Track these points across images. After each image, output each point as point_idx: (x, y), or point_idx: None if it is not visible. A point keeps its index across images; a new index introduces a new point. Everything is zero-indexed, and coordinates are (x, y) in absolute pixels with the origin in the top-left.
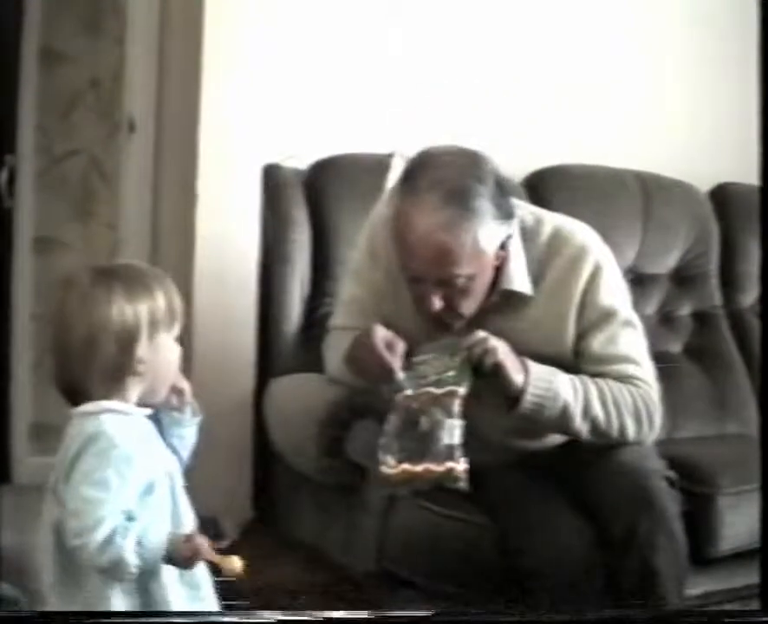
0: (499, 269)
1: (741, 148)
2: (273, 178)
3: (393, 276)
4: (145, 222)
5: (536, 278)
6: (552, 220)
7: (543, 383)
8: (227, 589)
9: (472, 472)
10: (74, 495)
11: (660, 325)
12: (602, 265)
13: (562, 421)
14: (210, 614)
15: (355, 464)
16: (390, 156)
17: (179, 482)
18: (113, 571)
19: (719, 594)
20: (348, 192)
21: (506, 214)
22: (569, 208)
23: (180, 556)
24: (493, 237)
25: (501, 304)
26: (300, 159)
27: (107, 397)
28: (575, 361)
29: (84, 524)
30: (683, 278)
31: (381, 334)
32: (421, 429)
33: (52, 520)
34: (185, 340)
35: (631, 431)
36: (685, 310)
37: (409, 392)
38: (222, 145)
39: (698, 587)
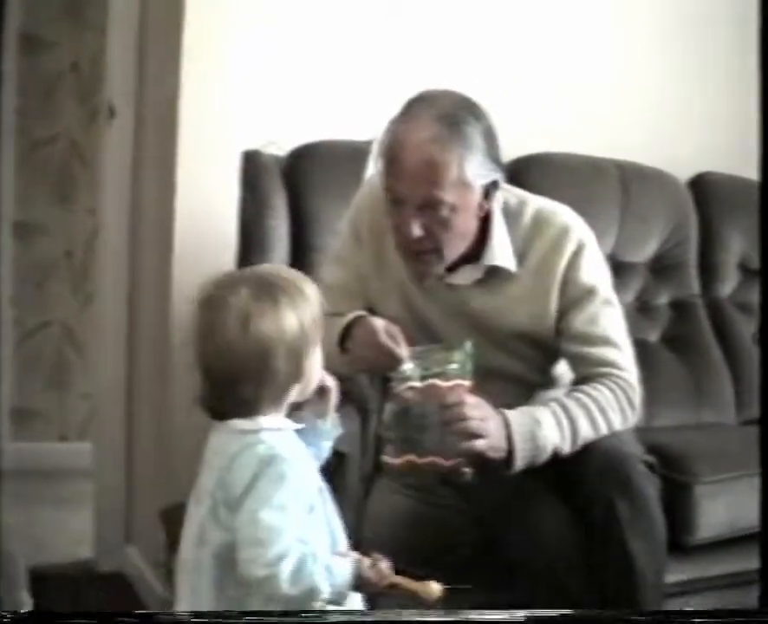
0: (483, 243)
1: (721, 138)
2: (252, 165)
3: (378, 257)
4: (124, 207)
5: (520, 257)
6: (535, 202)
7: (528, 444)
8: None
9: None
10: (252, 522)
11: (637, 313)
12: (585, 244)
13: (554, 456)
14: (351, 613)
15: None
16: (369, 143)
17: (328, 497)
18: (304, 600)
19: (697, 582)
20: (327, 179)
21: (494, 159)
22: (549, 196)
23: (368, 582)
24: (479, 173)
25: (485, 281)
26: (279, 145)
27: (267, 411)
28: (556, 340)
29: (273, 554)
30: (661, 267)
31: (382, 325)
32: (427, 420)
33: (214, 544)
34: (164, 327)
35: (617, 425)
36: (663, 299)
37: (415, 383)
38: (201, 131)
39: (675, 575)
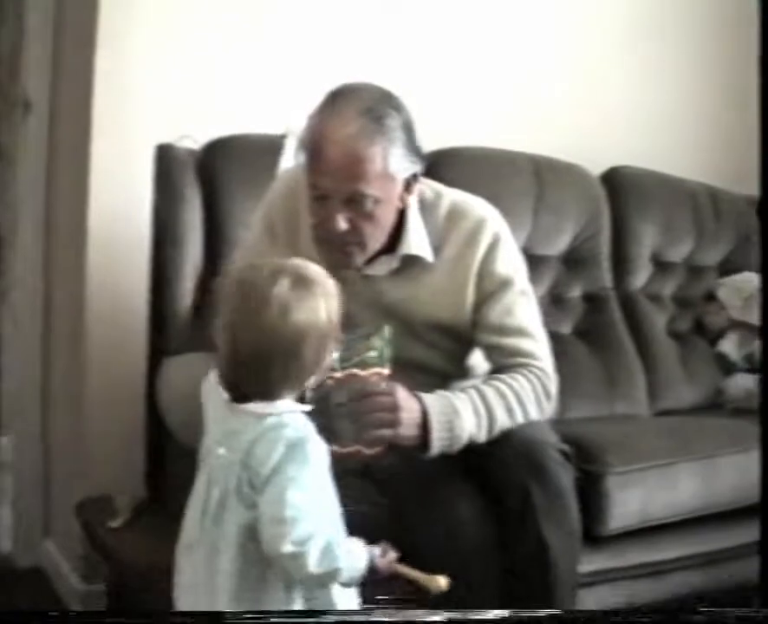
0: (399, 234)
1: (633, 131)
2: (166, 158)
3: (293, 251)
4: (39, 202)
5: (436, 249)
6: (451, 195)
7: (445, 432)
8: None
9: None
10: (280, 501)
11: (550, 306)
12: (500, 237)
13: (471, 443)
14: (356, 612)
15: None
16: (283, 137)
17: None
18: (326, 580)
19: (609, 572)
20: (241, 173)
21: (415, 151)
22: (463, 189)
23: (378, 570)
24: (402, 166)
25: (401, 271)
26: (194, 139)
27: (285, 396)
28: (472, 331)
29: (301, 533)
30: (574, 260)
31: None
32: (345, 409)
33: (239, 523)
34: (78, 321)
35: (534, 414)
36: (575, 292)
37: (336, 373)
38: (115, 125)
39: (587, 565)
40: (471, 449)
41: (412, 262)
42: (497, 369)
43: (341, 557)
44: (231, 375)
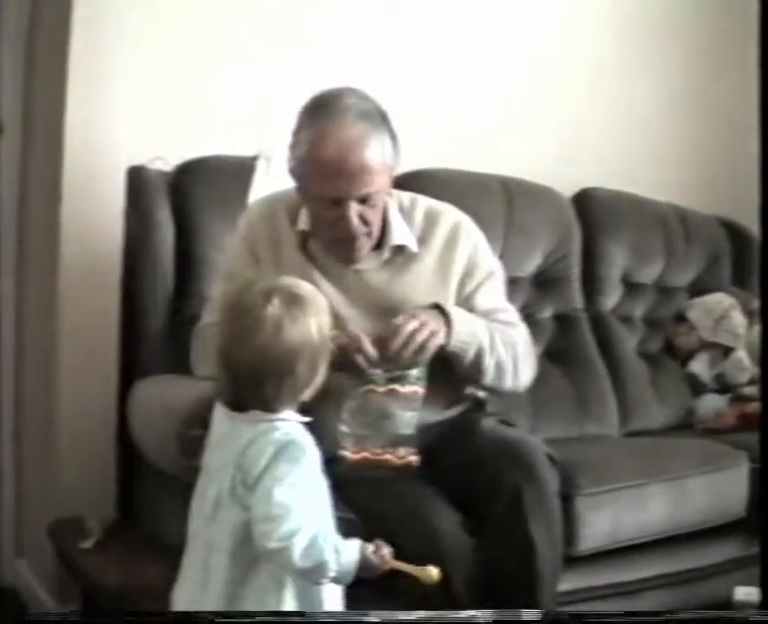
0: (385, 230)
1: (603, 154)
2: (137, 180)
3: (277, 267)
4: (11, 223)
5: (420, 242)
6: (425, 201)
7: (464, 333)
8: None
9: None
10: (267, 499)
11: None
12: (479, 235)
13: (477, 358)
14: (349, 614)
15: None
16: (254, 158)
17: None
18: (314, 573)
19: (581, 592)
20: (213, 194)
21: (394, 139)
22: None
23: (371, 566)
24: (392, 155)
25: (391, 261)
26: (165, 161)
27: (282, 408)
28: None
29: (286, 529)
30: (545, 281)
31: (349, 331)
32: (382, 421)
33: (232, 522)
34: (50, 342)
35: (521, 366)
36: (546, 313)
37: (378, 388)
38: (88, 147)
39: (559, 585)
40: (455, 452)
41: (399, 252)
42: None
43: (327, 552)
44: (229, 393)
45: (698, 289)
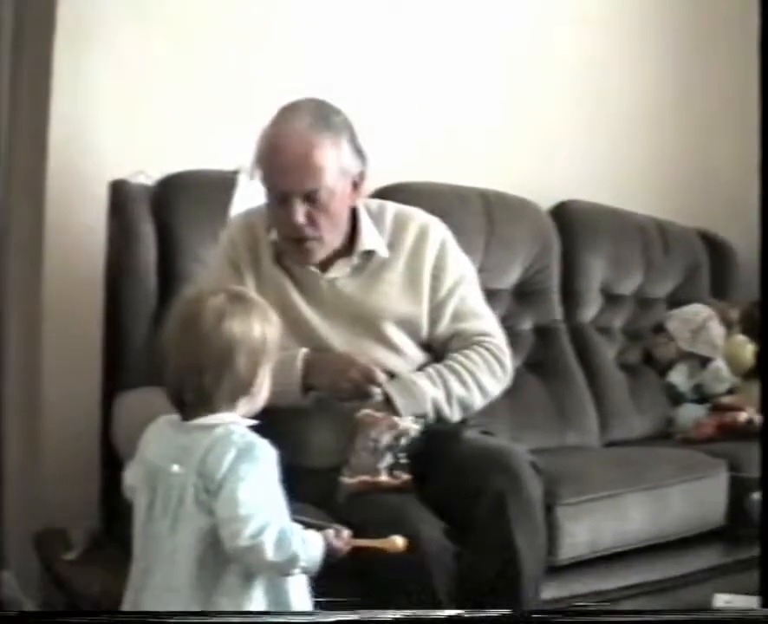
0: (354, 236)
1: (582, 167)
2: (120, 194)
3: (257, 278)
4: None
5: (390, 247)
6: (393, 206)
7: (407, 396)
8: None
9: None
10: (233, 501)
11: None
12: (447, 237)
13: (437, 412)
14: (316, 613)
15: None
16: (236, 173)
17: None
18: (286, 567)
19: (561, 601)
20: (195, 208)
21: (359, 152)
22: None
23: (335, 551)
24: (351, 161)
25: (361, 268)
26: (148, 174)
27: (222, 409)
28: (429, 325)
29: (254, 527)
30: (524, 293)
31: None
32: (380, 445)
33: (199, 528)
34: (33, 354)
35: (490, 387)
36: (526, 325)
37: (377, 414)
38: (70, 161)
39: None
40: (445, 460)
41: (369, 258)
42: (457, 352)
43: (296, 543)
44: (173, 386)
45: (676, 300)
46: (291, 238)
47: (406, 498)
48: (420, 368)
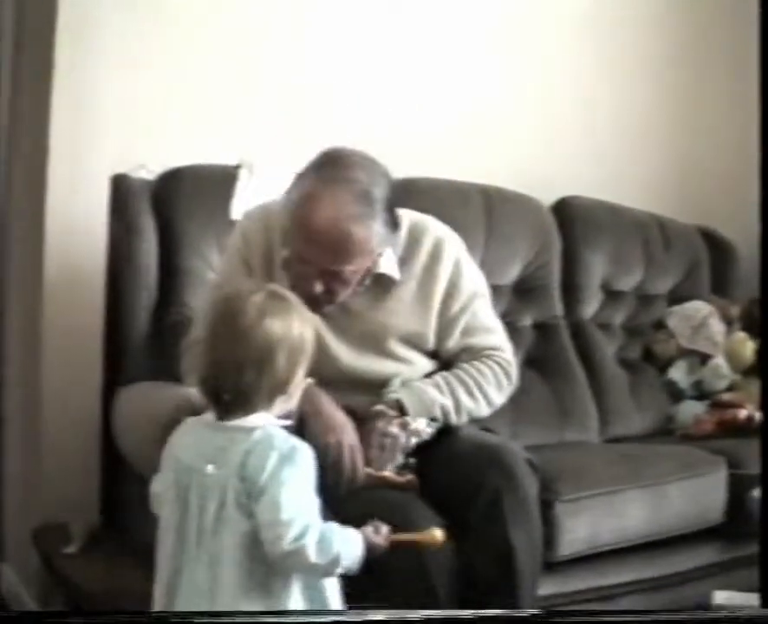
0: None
1: (583, 163)
2: (121, 188)
3: (269, 276)
4: None
5: (401, 263)
6: (409, 215)
7: (417, 403)
8: None
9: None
10: (276, 504)
11: None
12: (462, 252)
13: (445, 419)
14: (346, 613)
15: None
16: (237, 167)
17: None
18: (329, 568)
19: (560, 597)
20: (196, 202)
21: (393, 224)
22: None
23: (375, 547)
24: (381, 241)
25: (372, 288)
26: (149, 169)
27: (260, 409)
28: (439, 340)
29: (299, 529)
30: (525, 290)
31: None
32: (386, 442)
33: (240, 532)
34: (34, 349)
35: (497, 399)
36: (527, 321)
37: (390, 411)
38: (72, 155)
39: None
40: (442, 457)
41: (380, 280)
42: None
43: (338, 543)
44: (210, 383)
45: (677, 296)
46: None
47: (406, 495)
48: (428, 376)
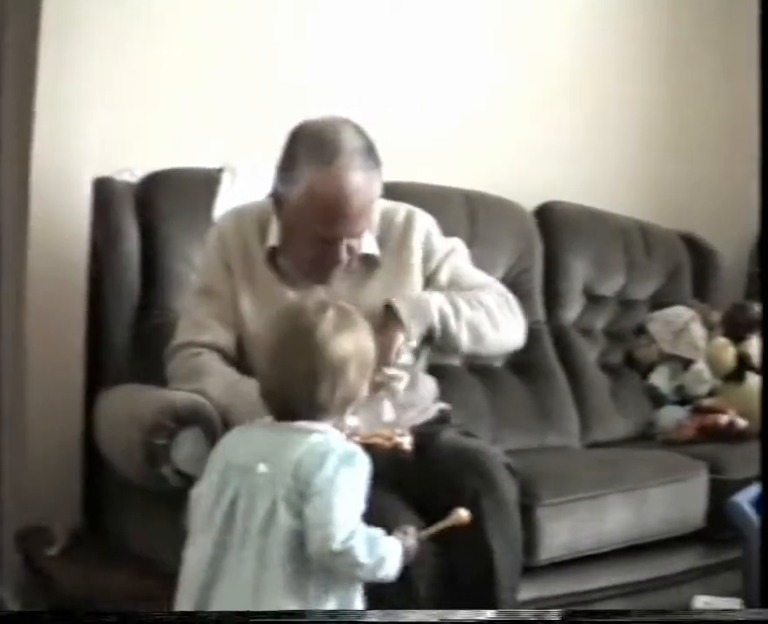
0: None
1: (565, 168)
2: (104, 191)
3: (249, 279)
4: None
5: (378, 244)
6: (382, 203)
7: (413, 305)
8: None
9: None
10: (329, 506)
11: None
12: (432, 224)
13: (444, 326)
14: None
15: (181, 472)
16: (219, 171)
17: None
18: (374, 570)
19: (540, 601)
20: (178, 205)
21: (381, 167)
22: None
23: (411, 548)
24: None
25: (358, 269)
26: (131, 172)
27: (328, 419)
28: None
29: (349, 530)
30: None
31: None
32: (375, 405)
33: (288, 529)
34: (16, 352)
35: (501, 317)
36: None
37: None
38: (54, 158)
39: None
40: (422, 461)
41: (365, 260)
42: None
43: (383, 545)
44: (277, 394)
45: (658, 302)
46: (323, 266)
47: (385, 497)
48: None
